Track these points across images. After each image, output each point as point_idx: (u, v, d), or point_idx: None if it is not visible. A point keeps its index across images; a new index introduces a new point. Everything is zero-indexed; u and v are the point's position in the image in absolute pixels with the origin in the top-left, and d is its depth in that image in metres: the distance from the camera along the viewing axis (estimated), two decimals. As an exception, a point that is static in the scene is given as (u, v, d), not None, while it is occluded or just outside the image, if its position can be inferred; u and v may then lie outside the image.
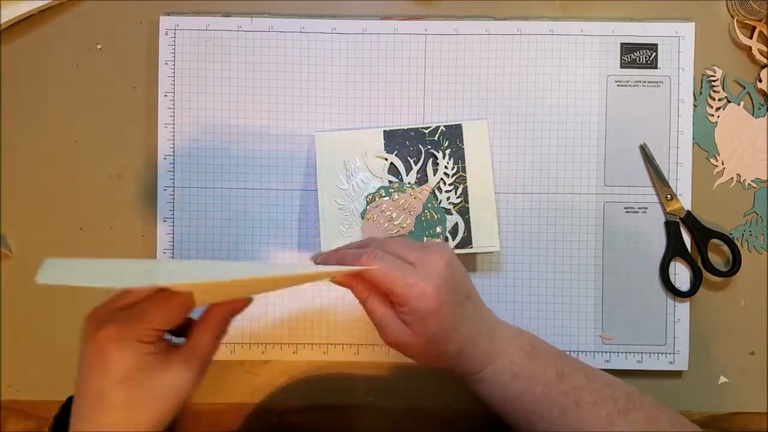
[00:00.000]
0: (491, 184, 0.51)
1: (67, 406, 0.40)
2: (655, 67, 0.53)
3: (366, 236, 0.50)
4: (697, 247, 0.52)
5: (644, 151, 0.53)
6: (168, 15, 0.53)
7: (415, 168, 0.51)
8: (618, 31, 0.53)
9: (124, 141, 0.53)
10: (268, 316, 0.53)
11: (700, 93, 0.53)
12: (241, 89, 0.53)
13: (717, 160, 0.53)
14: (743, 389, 0.53)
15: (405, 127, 0.51)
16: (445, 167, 0.51)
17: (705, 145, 0.53)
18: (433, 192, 0.51)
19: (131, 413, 0.36)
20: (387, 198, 0.50)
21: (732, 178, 0.53)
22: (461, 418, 0.52)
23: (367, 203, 0.50)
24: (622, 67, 0.53)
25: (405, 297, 0.38)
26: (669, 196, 0.52)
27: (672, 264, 0.52)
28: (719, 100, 0.53)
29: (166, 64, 0.53)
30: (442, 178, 0.51)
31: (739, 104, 0.53)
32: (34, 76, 0.53)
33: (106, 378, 0.36)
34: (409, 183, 0.51)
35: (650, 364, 0.52)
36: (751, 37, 0.53)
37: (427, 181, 0.51)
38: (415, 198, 0.50)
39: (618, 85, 0.53)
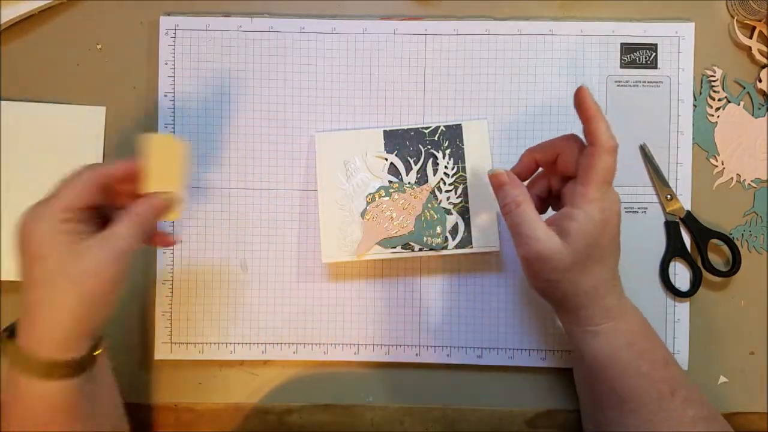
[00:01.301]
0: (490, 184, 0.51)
1: None
2: (655, 67, 0.53)
3: (365, 236, 0.50)
4: (697, 247, 0.52)
5: (644, 151, 0.53)
6: (168, 15, 0.53)
7: (415, 168, 0.51)
8: (618, 31, 0.53)
9: (124, 141, 0.53)
10: (268, 316, 0.53)
11: (700, 93, 0.53)
12: (241, 89, 0.53)
13: (717, 160, 0.53)
14: (743, 389, 0.53)
15: (405, 127, 0.51)
16: (445, 167, 0.51)
17: (705, 145, 0.53)
18: (433, 192, 0.51)
19: (48, 292, 0.37)
20: (387, 198, 0.50)
21: (732, 178, 0.53)
22: (461, 418, 0.52)
23: (367, 203, 0.50)
24: (622, 67, 0.53)
25: (596, 186, 0.40)
26: (669, 196, 0.52)
27: (672, 264, 0.52)
28: (719, 100, 0.53)
29: (166, 64, 0.53)
30: (442, 178, 0.51)
31: (739, 104, 0.53)
32: (34, 76, 0.53)
33: (25, 256, 0.38)
34: (409, 183, 0.51)
35: (650, 364, 0.52)
36: (751, 37, 0.53)
37: (427, 181, 0.51)
38: (415, 198, 0.50)
39: (618, 85, 0.53)
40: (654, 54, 0.53)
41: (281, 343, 0.53)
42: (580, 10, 0.54)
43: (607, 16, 0.54)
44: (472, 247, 0.50)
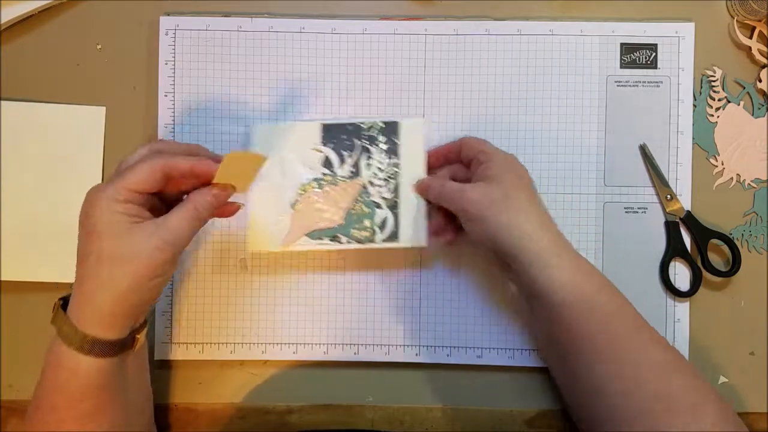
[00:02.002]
0: None
1: None
2: (655, 67, 0.53)
3: (294, 227, 0.50)
4: (697, 247, 0.52)
5: (644, 151, 0.53)
6: (168, 15, 0.53)
7: (349, 161, 0.51)
8: (618, 31, 0.53)
9: (124, 141, 0.53)
10: (268, 316, 0.53)
11: (700, 93, 0.53)
12: (241, 89, 0.53)
13: (717, 160, 0.53)
14: (743, 389, 0.53)
15: (343, 122, 0.51)
16: (379, 162, 0.51)
17: (705, 145, 0.53)
18: (364, 186, 0.50)
19: (95, 267, 0.39)
20: (319, 190, 0.50)
21: (732, 178, 0.53)
22: (461, 418, 0.52)
23: (299, 194, 0.50)
24: (622, 67, 0.53)
25: (491, 153, 0.47)
26: (669, 196, 0.52)
27: (672, 264, 0.52)
28: (719, 100, 0.53)
29: (166, 64, 0.53)
30: (374, 173, 0.51)
31: (738, 104, 0.53)
32: (34, 76, 0.53)
33: (82, 229, 0.39)
34: (341, 176, 0.51)
35: (650, 364, 0.52)
36: (750, 37, 0.53)
37: (359, 174, 0.51)
38: (346, 191, 0.50)
39: (618, 85, 0.53)
40: (654, 54, 0.53)
41: (281, 343, 0.53)
42: (580, 10, 0.54)
43: (607, 16, 0.54)
44: (398, 242, 0.50)
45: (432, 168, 0.50)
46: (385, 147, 0.50)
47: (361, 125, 0.51)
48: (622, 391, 0.41)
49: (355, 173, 0.50)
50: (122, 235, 0.39)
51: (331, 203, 0.50)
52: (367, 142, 0.50)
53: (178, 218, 0.40)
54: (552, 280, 0.43)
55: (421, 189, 0.49)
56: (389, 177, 0.50)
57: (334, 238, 0.50)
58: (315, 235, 0.50)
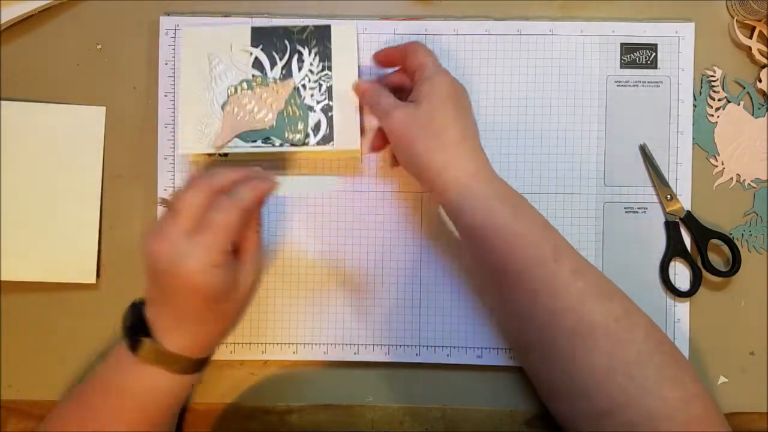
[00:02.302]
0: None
1: (136, 310, 0.43)
2: (655, 67, 0.53)
3: (224, 128, 0.50)
4: (697, 247, 0.52)
5: (644, 151, 0.53)
6: (168, 15, 0.53)
7: (280, 64, 0.50)
8: (618, 31, 0.53)
9: (124, 141, 0.53)
10: (268, 316, 0.53)
11: (700, 93, 0.53)
12: (241, 89, 0.53)
13: (717, 160, 0.53)
14: (743, 389, 0.53)
15: (274, 24, 0.51)
16: (311, 65, 0.51)
17: (705, 145, 0.53)
18: (297, 89, 0.50)
19: (220, 325, 0.43)
20: (249, 91, 0.50)
21: (732, 178, 0.53)
22: (461, 418, 0.52)
23: (229, 95, 0.50)
24: (622, 67, 0.53)
25: (430, 70, 0.46)
26: (669, 196, 0.52)
27: (672, 264, 0.52)
28: (719, 100, 0.53)
29: (166, 64, 0.53)
30: (306, 75, 0.50)
31: (738, 104, 0.53)
32: (34, 76, 0.53)
33: (197, 301, 0.40)
34: (273, 78, 0.50)
35: (650, 364, 0.52)
36: (751, 37, 0.53)
37: (291, 77, 0.50)
38: (277, 92, 0.50)
39: (618, 85, 0.53)
40: (654, 54, 0.53)
41: (281, 343, 0.53)
42: (580, 10, 0.54)
43: (607, 16, 0.54)
44: (333, 144, 0.50)
45: (381, 67, 0.51)
46: (317, 50, 0.50)
47: (292, 29, 0.50)
48: (539, 325, 0.42)
49: (287, 75, 0.50)
50: (220, 292, 0.40)
51: (262, 104, 0.50)
52: (298, 45, 0.50)
53: (250, 263, 0.43)
54: (471, 208, 0.43)
55: (359, 92, 0.49)
56: (322, 80, 0.50)
57: (267, 140, 0.50)
58: (248, 137, 0.50)
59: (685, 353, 0.52)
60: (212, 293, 0.39)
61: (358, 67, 0.51)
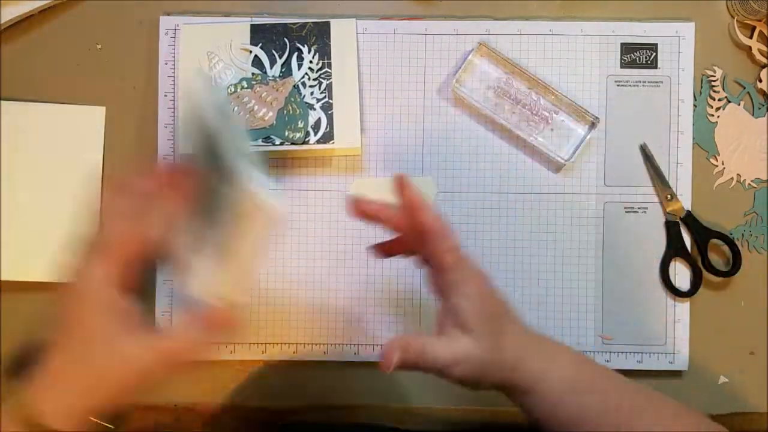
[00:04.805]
0: (356, 83, 0.51)
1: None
2: (655, 67, 0.53)
3: None
4: (697, 247, 0.52)
5: (644, 151, 0.53)
6: (168, 15, 0.53)
7: (280, 62, 0.50)
8: (618, 31, 0.53)
9: (124, 141, 0.53)
10: (268, 316, 0.53)
11: (700, 93, 0.53)
12: (241, 89, 0.53)
13: (717, 160, 0.53)
14: (743, 389, 0.53)
15: (273, 22, 0.51)
16: (310, 62, 0.50)
17: (705, 145, 0.53)
18: (296, 86, 0.50)
19: (73, 367, 0.36)
20: (249, 90, 0.50)
21: (732, 178, 0.53)
22: (461, 418, 0.52)
23: (228, 94, 0.50)
24: (622, 67, 0.53)
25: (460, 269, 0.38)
26: (669, 196, 0.52)
27: (672, 264, 0.52)
28: (719, 100, 0.53)
29: (165, 63, 0.53)
30: (306, 73, 0.50)
31: (739, 104, 0.53)
32: (34, 76, 0.53)
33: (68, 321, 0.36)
34: (272, 76, 0.50)
35: (650, 364, 0.52)
36: (751, 37, 0.53)
37: (291, 75, 0.50)
38: (277, 91, 0.50)
39: (618, 85, 0.53)
40: (654, 54, 0.53)
41: (281, 343, 0.53)
42: (580, 10, 0.54)
43: (607, 16, 0.54)
44: (333, 142, 0.50)
45: (375, 222, 0.40)
46: (316, 47, 0.50)
47: (291, 26, 0.50)
48: None
49: (286, 73, 0.50)
50: (113, 342, 0.36)
51: (262, 103, 0.49)
52: (297, 42, 0.50)
53: (177, 333, 0.39)
54: (540, 411, 0.41)
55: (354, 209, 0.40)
56: (321, 77, 0.50)
57: (267, 139, 0.50)
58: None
59: (685, 354, 0.52)
60: (95, 326, 0.35)
61: (358, 63, 0.50)
